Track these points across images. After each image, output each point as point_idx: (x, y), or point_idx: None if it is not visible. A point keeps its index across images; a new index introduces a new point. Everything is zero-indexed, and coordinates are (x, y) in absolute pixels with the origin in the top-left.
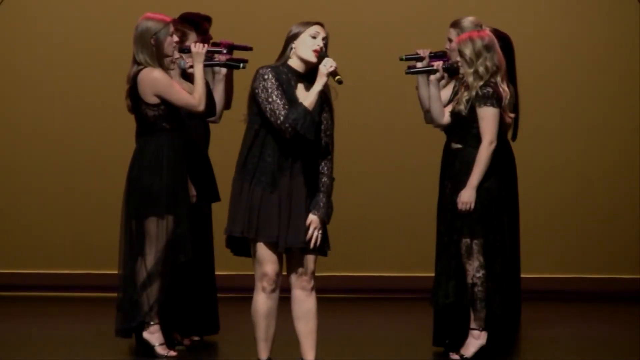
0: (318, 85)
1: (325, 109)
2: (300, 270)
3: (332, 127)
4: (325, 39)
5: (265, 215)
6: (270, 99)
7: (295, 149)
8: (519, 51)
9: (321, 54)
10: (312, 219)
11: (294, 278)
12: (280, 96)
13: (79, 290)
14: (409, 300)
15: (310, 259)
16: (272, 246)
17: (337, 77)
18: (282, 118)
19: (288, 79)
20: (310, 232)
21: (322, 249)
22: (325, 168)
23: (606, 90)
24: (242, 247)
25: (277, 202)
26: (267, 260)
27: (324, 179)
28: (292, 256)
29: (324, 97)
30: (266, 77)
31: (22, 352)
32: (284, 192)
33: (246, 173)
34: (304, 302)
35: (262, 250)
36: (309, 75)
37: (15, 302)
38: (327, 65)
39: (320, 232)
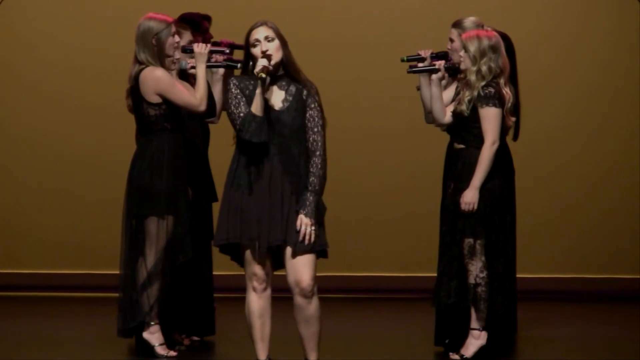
0: (258, 88)
1: (311, 107)
2: (297, 276)
3: (320, 124)
4: (268, 36)
5: (246, 218)
6: (229, 110)
7: (271, 150)
8: (518, 51)
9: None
10: (299, 217)
11: (292, 285)
12: (237, 105)
13: (79, 290)
14: (409, 300)
15: (306, 264)
16: (255, 248)
17: (260, 74)
18: (237, 126)
19: (256, 84)
20: (302, 231)
21: (314, 248)
22: (314, 166)
23: (606, 90)
24: (238, 253)
25: (256, 203)
26: (254, 261)
27: (312, 178)
28: (286, 259)
29: (308, 94)
30: (228, 87)
31: (22, 352)
32: (263, 193)
33: (228, 180)
34: (305, 309)
35: (248, 251)
36: (279, 77)
37: (15, 302)
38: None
39: (311, 229)
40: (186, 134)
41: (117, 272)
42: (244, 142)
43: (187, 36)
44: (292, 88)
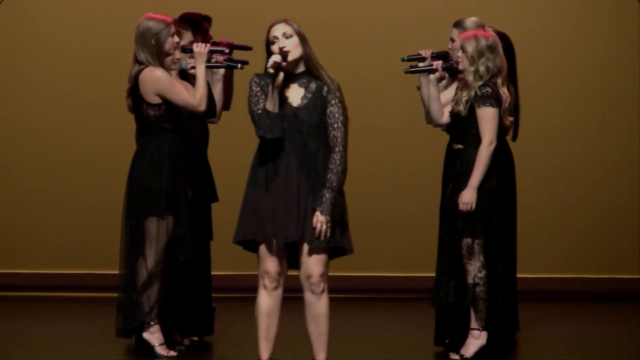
0: (271, 85)
1: (331, 103)
2: (308, 271)
3: (340, 120)
4: (285, 33)
5: (261, 215)
6: (250, 108)
7: (289, 147)
8: (519, 51)
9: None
10: (315, 215)
11: (303, 280)
12: (256, 102)
13: (79, 290)
14: (409, 300)
15: (318, 260)
16: (270, 244)
17: (269, 70)
18: (255, 123)
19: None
20: (317, 228)
21: (328, 244)
22: (332, 162)
23: (606, 90)
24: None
25: (271, 200)
26: (267, 257)
27: (329, 174)
28: (300, 255)
29: (328, 91)
30: (250, 85)
31: (22, 352)
32: (279, 189)
33: (249, 177)
34: (314, 306)
35: (262, 248)
36: (300, 74)
37: (15, 302)
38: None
39: (326, 227)
40: (186, 134)
41: (117, 272)
42: (262, 139)
43: (188, 36)
44: (313, 85)
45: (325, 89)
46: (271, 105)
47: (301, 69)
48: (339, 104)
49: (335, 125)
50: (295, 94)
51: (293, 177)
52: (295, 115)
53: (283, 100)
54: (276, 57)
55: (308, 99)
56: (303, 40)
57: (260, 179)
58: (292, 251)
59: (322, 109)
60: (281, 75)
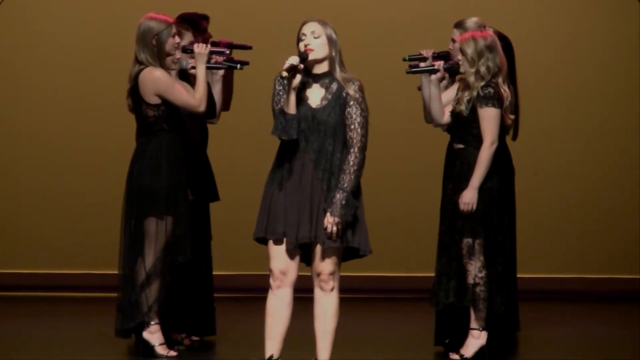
0: (287, 86)
1: (350, 104)
2: (318, 269)
3: (357, 121)
4: (314, 32)
5: (274, 213)
6: (272, 106)
7: (306, 147)
8: (518, 51)
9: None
10: (326, 215)
11: (314, 276)
12: (277, 102)
13: (79, 290)
14: (409, 300)
15: (329, 258)
16: (280, 243)
17: (283, 74)
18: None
19: (300, 81)
20: (327, 229)
21: (340, 244)
22: (347, 163)
23: (606, 91)
24: None
25: (284, 200)
26: (273, 256)
27: (342, 175)
28: (312, 254)
29: (348, 92)
30: (274, 84)
31: (22, 352)
32: (293, 189)
33: (268, 176)
34: (321, 302)
35: (270, 246)
36: (323, 75)
37: (15, 302)
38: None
39: (336, 228)
40: (186, 134)
41: (117, 272)
42: (281, 139)
43: (189, 37)
44: (334, 86)
45: (346, 90)
46: (287, 105)
47: (324, 69)
48: (358, 106)
49: (352, 127)
50: (316, 95)
51: (307, 178)
52: (313, 116)
53: (303, 100)
54: (292, 60)
55: (328, 100)
56: (332, 42)
57: (277, 178)
58: (305, 250)
59: (341, 110)
60: (298, 77)
